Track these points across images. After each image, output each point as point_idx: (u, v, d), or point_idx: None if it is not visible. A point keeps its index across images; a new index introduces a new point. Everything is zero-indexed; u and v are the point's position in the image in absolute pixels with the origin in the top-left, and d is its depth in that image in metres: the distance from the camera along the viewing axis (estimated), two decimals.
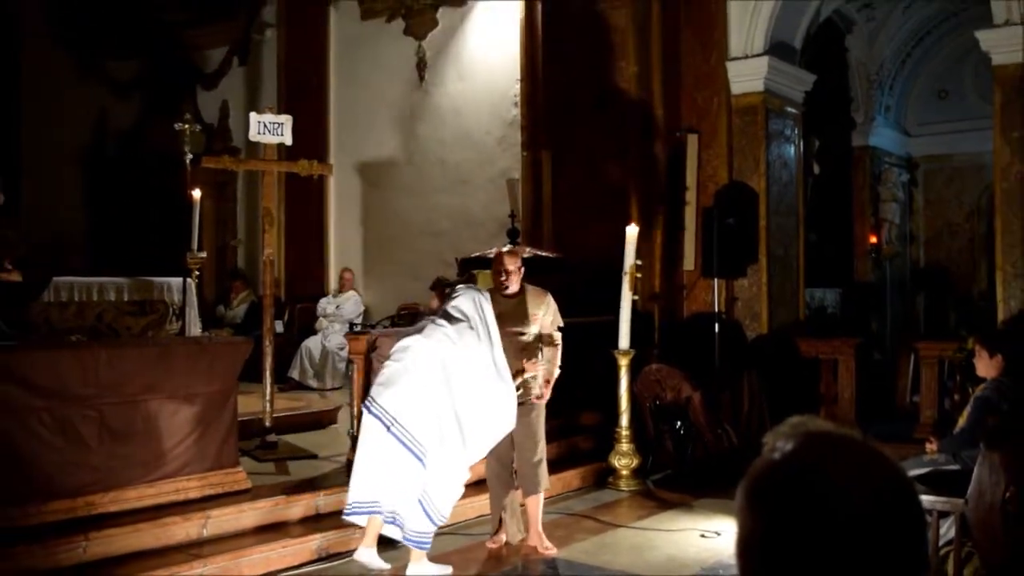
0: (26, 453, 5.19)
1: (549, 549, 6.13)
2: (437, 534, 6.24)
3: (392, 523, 5.51)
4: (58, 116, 13.42)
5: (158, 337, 8.16)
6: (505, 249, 6.51)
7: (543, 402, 6.18)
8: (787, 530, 1.10)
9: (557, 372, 6.21)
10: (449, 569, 5.61)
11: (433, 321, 5.76)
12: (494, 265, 6.28)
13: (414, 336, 5.68)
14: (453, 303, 5.81)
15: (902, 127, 15.25)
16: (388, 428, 5.43)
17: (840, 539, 1.07)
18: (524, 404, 6.09)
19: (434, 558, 5.81)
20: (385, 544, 5.62)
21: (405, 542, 5.52)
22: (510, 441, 6.20)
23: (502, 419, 5.72)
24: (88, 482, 5.43)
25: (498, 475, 6.24)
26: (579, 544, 6.30)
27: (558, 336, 6.23)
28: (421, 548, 5.49)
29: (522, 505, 6.29)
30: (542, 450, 6.22)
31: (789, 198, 10.35)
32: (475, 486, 7.14)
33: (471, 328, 5.66)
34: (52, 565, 5.00)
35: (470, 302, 5.77)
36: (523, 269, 6.27)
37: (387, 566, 5.54)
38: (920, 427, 8.65)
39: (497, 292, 6.14)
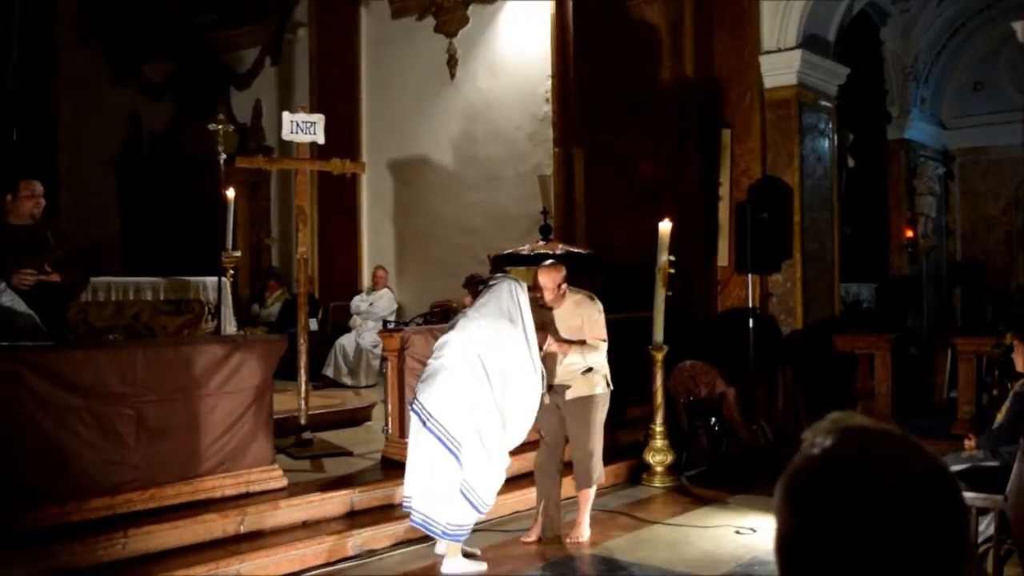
0: (66, 451, 5.26)
1: (578, 540, 6.19)
2: (472, 530, 6.29)
3: (422, 526, 5.56)
4: (93, 119, 13.57)
5: (194, 336, 8.23)
6: (547, 263, 6.46)
7: (601, 395, 6.21)
8: (826, 526, 1.09)
9: (577, 350, 6.12)
10: (484, 567, 5.63)
11: (465, 314, 5.81)
12: (534, 281, 6.31)
13: (449, 332, 5.72)
14: (488, 292, 5.84)
15: (937, 120, 15.09)
16: (424, 423, 5.50)
17: (880, 535, 1.06)
18: (580, 398, 6.18)
19: (468, 555, 5.84)
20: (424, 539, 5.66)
21: (442, 537, 5.58)
22: (561, 434, 6.26)
23: (533, 410, 5.77)
24: (127, 480, 5.48)
25: (544, 468, 6.29)
26: (614, 540, 6.29)
27: (595, 343, 6.18)
28: (456, 540, 5.56)
29: (572, 497, 6.36)
30: (596, 444, 6.25)
31: (823, 192, 10.27)
32: (509, 483, 7.16)
33: (505, 317, 5.69)
34: (92, 562, 5.06)
35: (505, 291, 5.79)
36: (563, 286, 6.21)
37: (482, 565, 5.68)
38: (958, 423, 8.58)
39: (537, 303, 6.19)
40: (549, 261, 6.63)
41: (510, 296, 5.75)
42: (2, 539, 4.86)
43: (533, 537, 6.27)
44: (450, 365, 5.57)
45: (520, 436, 5.82)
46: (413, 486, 5.57)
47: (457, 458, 5.44)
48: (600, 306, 6.27)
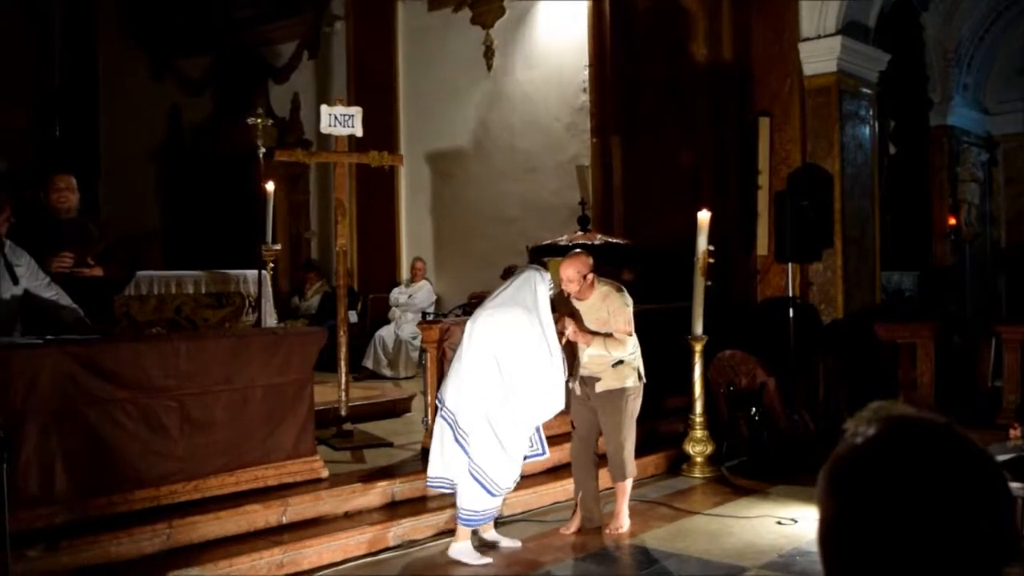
0: (111, 443, 5.33)
1: (617, 531, 6.20)
2: (510, 521, 6.32)
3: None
4: (133, 114, 13.72)
5: (235, 329, 8.30)
6: (571, 253, 6.45)
7: (632, 388, 6.20)
8: (869, 517, 1.08)
9: (600, 343, 6.09)
10: (489, 560, 5.65)
11: (483, 305, 5.91)
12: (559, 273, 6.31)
13: (467, 323, 5.85)
14: (507, 284, 5.94)
15: (981, 105, 14.87)
16: (439, 411, 5.78)
17: (924, 525, 1.05)
18: (609, 391, 6.17)
19: (510, 546, 5.87)
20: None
21: (457, 520, 5.73)
22: (594, 426, 6.28)
23: (553, 397, 5.81)
24: (171, 471, 5.55)
25: (578, 459, 6.34)
26: (655, 531, 6.28)
27: (620, 336, 6.13)
28: (467, 525, 5.68)
29: (611, 488, 6.39)
30: (627, 437, 6.24)
31: (864, 180, 10.16)
32: (548, 473, 7.19)
33: (520, 306, 5.74)
34: (137, 553, 5.12)
35: (522, 280, 5.86)
36: (589, 275, 6.16)
37: (487, 560, 5.67)
38: (1003, 412, 8.47)
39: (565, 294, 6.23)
40: (575, 251, 6.59)
41: (527, 285, 5.81)
42: (49, 530, 4.94)
43: (572, 528, 6.28)
44: (463, 355, 5.74)
45: (537, 420, 5.89)
46: (434, 468, 5.79)
47: (465, 448, 5.61)
48: (628, 299, 6.21)
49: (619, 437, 6.21)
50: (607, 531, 6.21)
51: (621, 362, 6.16)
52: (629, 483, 6.35)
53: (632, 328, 6.17)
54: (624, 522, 6.26)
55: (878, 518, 1.07)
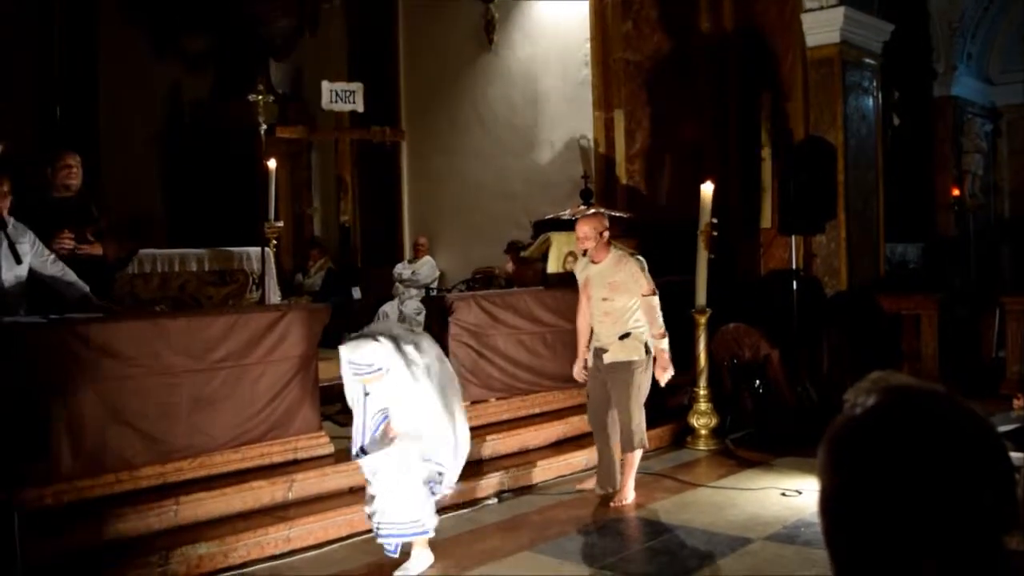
0: (117, 421, 5.35)
1: (621, 503, 6.26)
2: (516, 494, 6.35)
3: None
4: (133, 92, 13.63)
5: (239, 306, 8.31)
6: (590, 213, 6.51)
7: (639, 361, 6.25)
8: (870, 486, 1.08)
9: (659, 332, 6.25)
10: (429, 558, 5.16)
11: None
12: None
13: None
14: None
15: (985, 76, 14.78)
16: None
17: (924, 495, 1.05)
18: (617, 363, 6.28)
19: (510, 520, 5.91)
20: None
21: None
22: (603, 395, 6.39)
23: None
24: (176, 448, 5.57)
25: (595, 427, 6.54)
26: (659, 503, 6.31)
27: (648, 300, 6.23)
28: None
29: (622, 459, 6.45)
30: (635, 409, 6.31)
31: (868, 151, 10.12)
32: (552, 447, 7.24)
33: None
34: (144, 529, 5.15)
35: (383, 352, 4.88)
36: (605, 233, 6.30)
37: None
38: (1006, 382, 8.49)
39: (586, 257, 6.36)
40: (591, 211, 6.65)
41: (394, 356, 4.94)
42: (54, 508, 4.97)
43: (588, 485, 6.50)
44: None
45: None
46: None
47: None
48: (642, 261, 6.32)
49: (627, 409, 6.29)
50: (612, 503, 6.26)
51: (628, 335, 6.20)
52: (638, 455, 6.39)
53: (654, 286, 6.29)
54: (629, 495, 6.31)
55: (879, 488, 1.08)
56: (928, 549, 1.05)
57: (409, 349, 4.86)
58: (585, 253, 6.39)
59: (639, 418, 6.32)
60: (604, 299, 6.29)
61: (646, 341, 6.29)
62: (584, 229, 6.26)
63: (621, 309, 6.27)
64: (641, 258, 6.36)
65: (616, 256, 6.29)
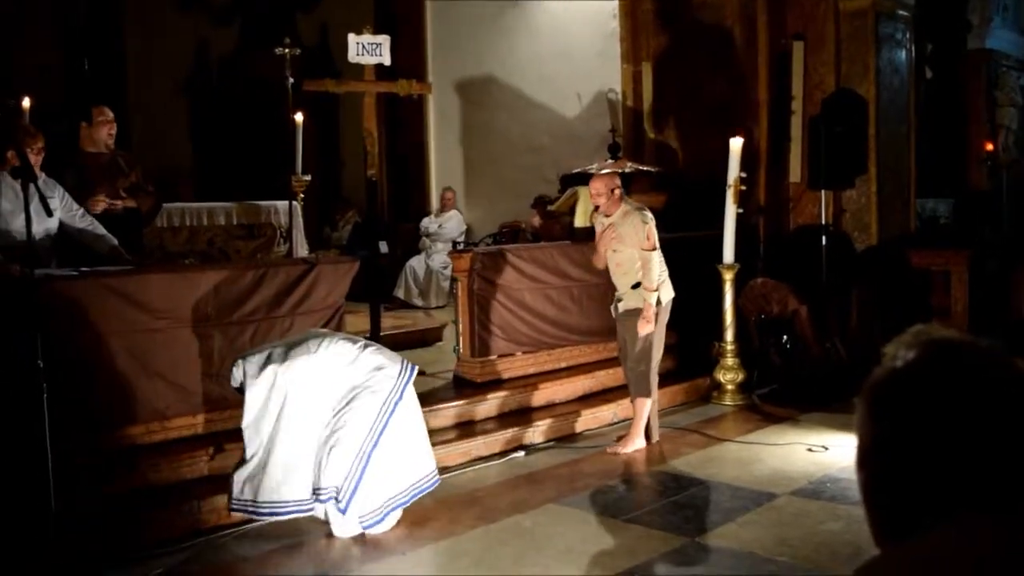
0: (149, 373, 5.41)
1: (615, 451, 6.37)
2: (543, 448, 6.40)
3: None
4: (161, 47, 13.62)
5: (267, 259, 8.35)
6: (604, 172, 6.55)
7: (651, 313, 6.25)
8: (912, 439, 1.07)
9: (651, 288, 6.26)
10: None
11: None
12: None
13: None
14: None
15: (1020, 28, 14.50)
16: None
17: (966, 448, 1.05)
18: (630, 311, 6.36)
19: (537, 472, 5.95)
20: None
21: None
22: (625, 345, 6.48)
23: None
24: (208, 400, 5.64)
25: (624, 374, 6.64)
26: (685, 458, 6.33)
27: (644, 255, 6.25)
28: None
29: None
30: (644, 358, 6.37)
31: (900, 105, 9.98)
32: (579, 400, 7.27)
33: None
34: (176, 478, 5.23)
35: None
36: (617, 190, 6.39)
37: None
38: None
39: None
40: (604, 171, 6.74)
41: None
42: (90, 458, 5.04)
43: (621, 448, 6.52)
44: None
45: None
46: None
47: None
48: (648, 216, 6.34)
49: (637, 356, 6.37)
50: (608, 449, 6.43)
51: (639, 284, 6.26)
52: (647, 404, 6.43)
53: (656, 243, 6.32)
54: (631, 444, 6.40)
55: (920, 441, 1.07)
56: (969, 502, 1.05)
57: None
58: (597, 209, 6.49)
59: (648, 366, 6.39)
60: (614, 251, 6.38)
61: (659, 292, 6.31)
62: (596, 186, 6.39)
63: (629, 260, 6.34)
64: (648, 213, 6.39)
65: (624, 210, 6.36)
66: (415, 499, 5.07)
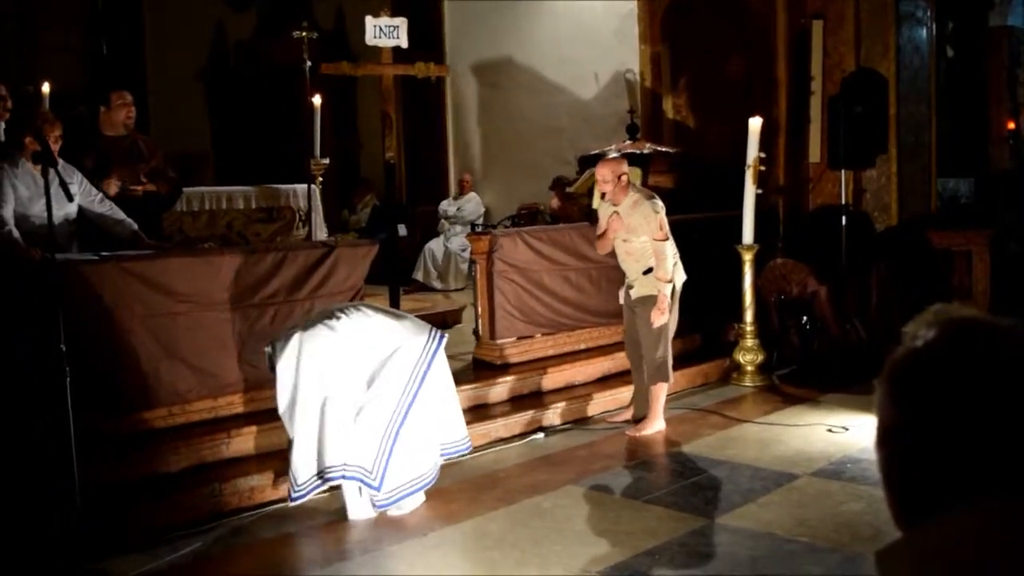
0: (170, 356, 5.45)
1: (634, 434, 6.39)
2: (561, 430, 6.41)
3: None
4: (178, 32, 13.63)
5: (287, 242, 8.37)
6: (610, 157, 6.54)
7: (665, 305, 6.23)
8: (933, 419, 1.07)
9: (663, 277, 6.24)
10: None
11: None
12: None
13: None
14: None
15: None
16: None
17: (988, 428, 1.04)
18: (642, 297, 6.36)
19: (556, 454, 5.97)
20: None
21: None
22: (634, 329, 6.48)
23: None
24: (228, 383, 5.67)
25: (630, 359, 6.70)
26: (705, 439, 6.33)
27: (657, 245, 6.22)
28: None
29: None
30: (659, 345, 6.37)
31: (920, 84, 9.90)
32: (598, 382, 7.27)
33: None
34: (197, 461, 5.27)
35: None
36: (624, 177, 6.35)
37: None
38: None
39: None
40: (611, 156, 6.75)
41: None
42: (111, 441, 5.08)
43: (627, 416, 6.67)
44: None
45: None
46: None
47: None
48: (658, 205, 6.31)
49: (651, 342, 6.36)
50: (628, 432, 6.43)
51: (651, 270, 6.25)
52: (663, 388, 6.43)
53: (667, 232, 6.28)
54: (649, 427, 6.41)
55: (942, 421, 1.06)
56: (990, 485, 1.04)
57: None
58: (604, 196, 6.46)
59: (663, 352, 6.39)
60: (624, 240, 6.36)
61: (673, 278, 6.30)
62: (603, 172, 6.35)
63: (640, 249, 6.33)
64: (658, 201, 6.35)
65: (632, 199, 6.32)
66: (448, 459, 5.28)
